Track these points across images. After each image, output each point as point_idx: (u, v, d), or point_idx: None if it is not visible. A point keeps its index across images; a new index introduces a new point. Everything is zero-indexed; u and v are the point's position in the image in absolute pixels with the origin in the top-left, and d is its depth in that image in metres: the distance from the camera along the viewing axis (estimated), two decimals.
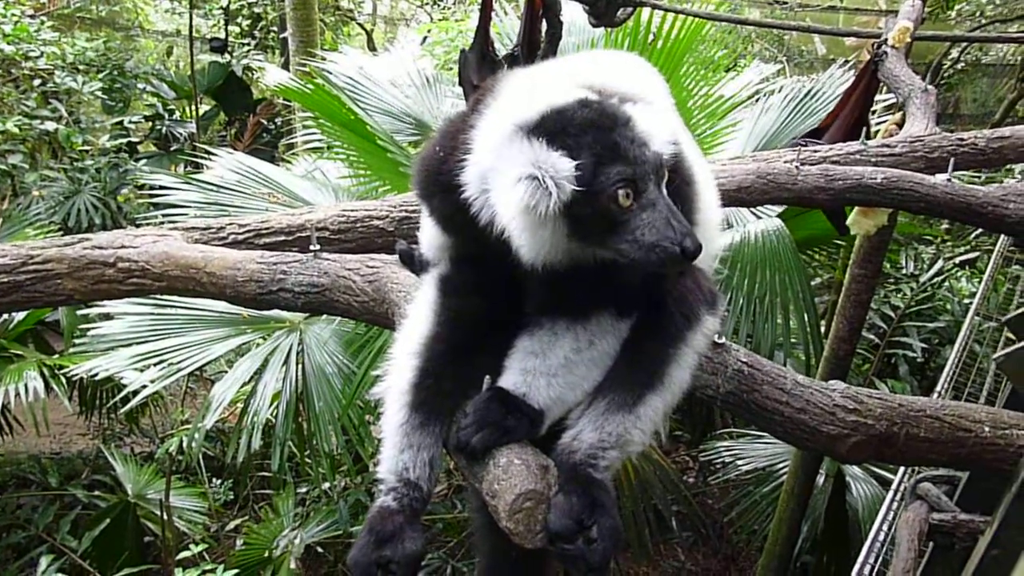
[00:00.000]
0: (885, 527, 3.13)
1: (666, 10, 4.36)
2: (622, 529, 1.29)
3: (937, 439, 1.51)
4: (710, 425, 6.15)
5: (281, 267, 1.82)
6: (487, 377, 1.38)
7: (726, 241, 4.29)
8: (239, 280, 1.84)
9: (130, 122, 6.61)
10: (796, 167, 2.36)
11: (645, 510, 4.59)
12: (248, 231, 2.16)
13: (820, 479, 5.04)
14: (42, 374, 4.90)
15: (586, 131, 1.25)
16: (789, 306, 4.34)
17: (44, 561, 4.63)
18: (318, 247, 1.82)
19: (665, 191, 1.28)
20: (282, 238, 2.18)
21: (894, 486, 3.12)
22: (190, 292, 1.94)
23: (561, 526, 1.22)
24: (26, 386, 4.80)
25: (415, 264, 1.70)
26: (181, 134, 7.38)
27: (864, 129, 3.08)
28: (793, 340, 4.73)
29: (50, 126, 5.46)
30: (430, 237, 1.56)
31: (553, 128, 1.25)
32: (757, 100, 5.16)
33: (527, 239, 1.25)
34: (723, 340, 1.54)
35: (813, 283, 5.67)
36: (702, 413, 6.16)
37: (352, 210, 2.22)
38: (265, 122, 8.02)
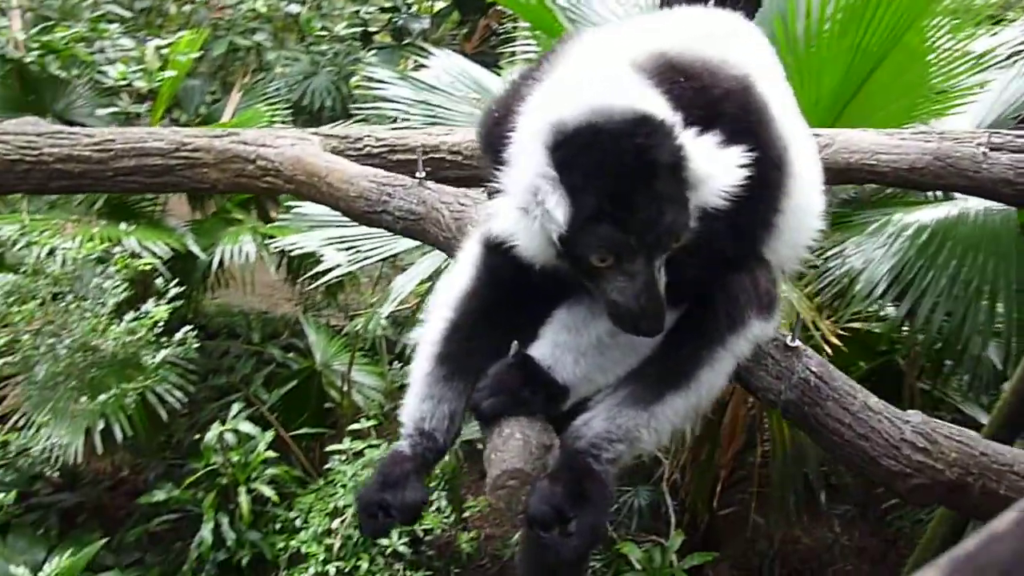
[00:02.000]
0: None
1: None
2: (605, 527, 1.25)
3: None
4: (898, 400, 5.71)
5: (388, 189, 1.85)
6: (515, 342, 1.35)
7: (916, 217, 3.89)
8: (351, 195, 1.90)
9: (367, 12, 6.89)
10: (984, 153, 2.08)
11: (795, 477, 4.41)
12: (384, 146, 2.21)
13: None
14: (255, 240, 5.36)
15: (603, 174, 1.14)
16: (999, 294, 3.89)
17: (236, 407, 5.16)
18: (423, 174, 1.84)
19: (659, 264, 1.19)
20: (415, 157, 2.21)
21: None
22: (311, 198, 2.03)
23: (538, 512, 1.21)
24: (240, 249, 5.28)
25: None
26: (415, 29, 7.61)
27: None
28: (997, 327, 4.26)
29: (294, 8, 5.82)
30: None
31: (573, 153, 1.15)
32: (1015, 62, 4.54)
33: (520, 245, 1.21)
34: (796, 343, 1.41)
35: None
36: (885, 389, 5.73)
37: None
38: (495, 26, 8.08)
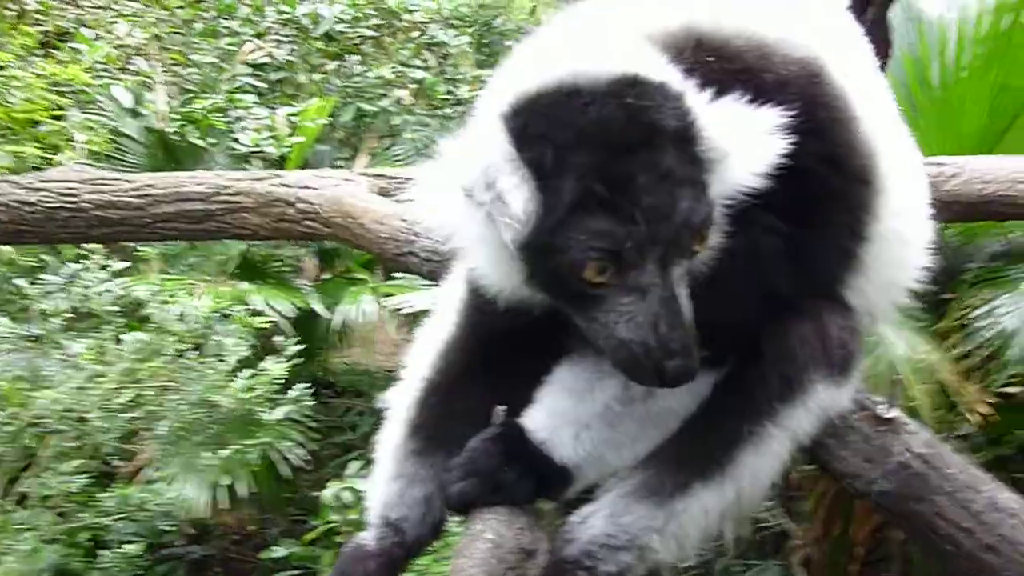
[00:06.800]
0: None
1: None
2: None
3: None
4: None
5: (415, 228, 1.70)
6: (500, 407, 1.07)
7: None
8: (381, 236, 1.78)
9: (488, 76, 6.84)
10: None
11: None
12: None
13: None
14: (375, 299, 5.36)
15: (588, 144, 0.85)
16: None
17: (355, 465, 5.09)
18: None
19: (680, 275, 0.86)
20: None
21: None
22: (347, 242, 1.93)
23: None
24: (361, 308, 5.31)
25: None
26: None
27: None
28: None
29: (418, 75, 5.90)
30: None
31: (541, 121, 0.88)
32: None
33: (480, 264, 0.95)
34: (894, 413, 1.06)
35: None
36: None
37: None
38: None
